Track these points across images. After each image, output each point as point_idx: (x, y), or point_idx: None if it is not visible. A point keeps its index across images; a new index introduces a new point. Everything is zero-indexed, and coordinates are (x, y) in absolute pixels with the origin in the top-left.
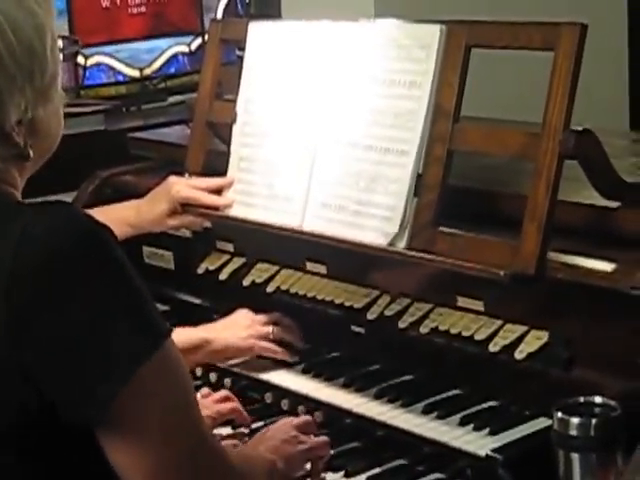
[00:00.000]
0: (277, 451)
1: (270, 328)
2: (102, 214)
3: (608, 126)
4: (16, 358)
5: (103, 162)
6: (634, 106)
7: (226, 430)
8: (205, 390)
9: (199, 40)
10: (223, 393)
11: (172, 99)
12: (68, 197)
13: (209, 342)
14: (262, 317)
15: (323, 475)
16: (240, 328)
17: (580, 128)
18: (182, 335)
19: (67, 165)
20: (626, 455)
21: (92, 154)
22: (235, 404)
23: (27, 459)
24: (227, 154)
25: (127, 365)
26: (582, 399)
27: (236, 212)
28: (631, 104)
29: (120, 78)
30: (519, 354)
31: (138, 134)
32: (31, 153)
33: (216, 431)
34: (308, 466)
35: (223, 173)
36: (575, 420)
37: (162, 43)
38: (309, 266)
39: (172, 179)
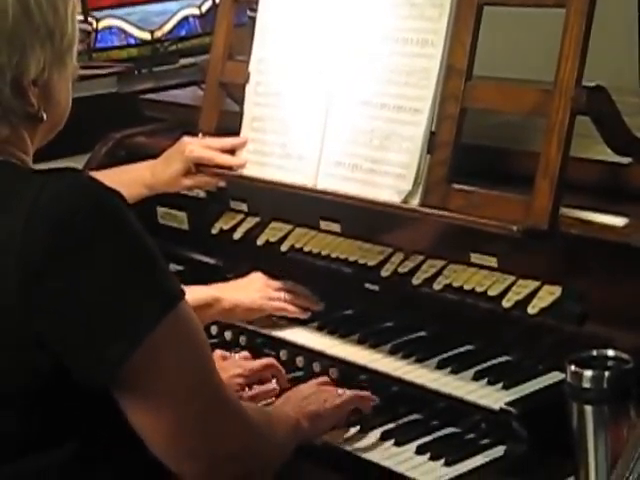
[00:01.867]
0: (302, 410)
1: (282, 293)
2: (116, 175)
3: (619, 84)
4: (29, 324)
5: (116, 124)
6: None
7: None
8: (244, 354)
9: (209, 2)
10: (245, 353)
11: (183, 61)
12: (82, 159)
13: (219, 300)
14: (276, 282)
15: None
16: (252, 290)
17: (592, 84)
18: (193, 293)
19: (80, 127)
20: (639, 407)
21: (105, 116)
22: (268, 360)
23: (33, 421)
24: (240, 114)
25: (140, 327)
26: (595, 352)
27: (250, 172)
28: None
29: (131, 41)
30: (532, 309)
31: (150, 96)
32: (44, 115)
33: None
34: None
35: (236, 133)
36: (588, 373)
37: (173, 6)
38: (323, 225)
39: (186, 139)
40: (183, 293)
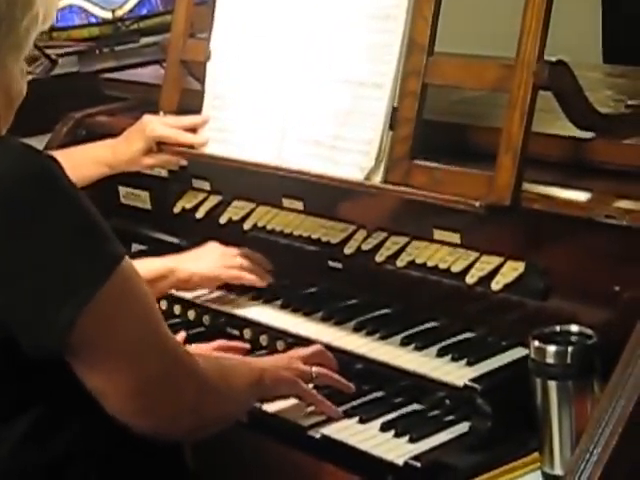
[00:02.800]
0: (268, 370)
1: (239, 259)
2: (77, 154)
3: (582, 60)
4: None
5: (77, 104)
6: (607, 40)
7: None
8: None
9: None
10: (221, 342)
11: (145, 40)
12: (43, 139)
13: (174, 271)
14: (232, 250)
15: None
16: (209, 259)
17: (554, 59)
18: (147, 264)
19: (41, 107)
20: (602, 382)
21: (66, 96)
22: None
23: None
24: (201, 92)
25: (85, 289)
26: (559, 328)
27: (212, 150)
28: (604, 38)
29: (92, 20)
30: (496, 285)
31: (111, 75)
32: None
33: None
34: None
35: (198, 112)
36: (552, 348)
37: None
38: (286, 202)
39: (147, 118)
40: (125, 252)
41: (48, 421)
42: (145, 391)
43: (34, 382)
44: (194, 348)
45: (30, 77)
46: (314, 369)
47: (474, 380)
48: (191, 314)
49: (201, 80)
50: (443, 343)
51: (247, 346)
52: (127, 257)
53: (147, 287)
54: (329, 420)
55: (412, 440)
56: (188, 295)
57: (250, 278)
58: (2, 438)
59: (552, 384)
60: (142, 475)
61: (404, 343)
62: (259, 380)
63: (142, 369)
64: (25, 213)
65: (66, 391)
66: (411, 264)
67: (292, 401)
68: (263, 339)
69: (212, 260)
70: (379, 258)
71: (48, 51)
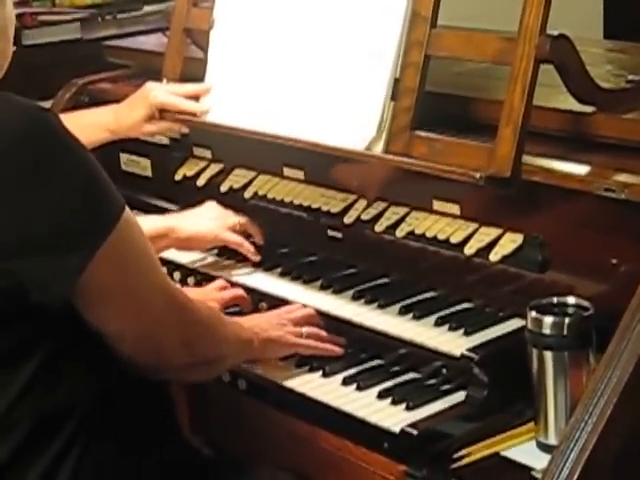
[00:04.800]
0: (260, 332)
1: (237, 220)
2: (79, 119)
3: (583, 35)
4: None
5: (80, 71)
6: (608, 16)
7: None
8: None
9: None
10: (221, 282)
11: (148, 8)
12: (45, 105)
13: (174, 230)
14: (229, 211)
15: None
16: (207, 219)
17: (556, 33)
18: (147, 222)
19: (44, 73)
20: (598, 353)
21: (69, 62)
22: (237, 291)
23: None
24: (204, 61)
25: (93, 235)
26: (555, 299)
27: (213, 118)
28: (605, 14)
29: None
30: (494, 256)
31: (114, 42)
32: None
33: None
34: None
35: (201, 80)
36: (549, 319)
37: None
38: (287, 171)
39: (150, 85)
40: (125, 203)
41: (50, 370)
42: (153, 331)
43: (37, 330)
44: (195, 291)
45: None
46: (304, 329)
47: (471, 350)
48: (191, 280)
49: (204, 48)
50: (441, 313)
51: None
52: (127, 207)
53: (142, 229)
54: (327, 387)
55: (409, 408)
56: (188, 262)
57: (247, 248)
58: (7, 383)
59: (548, 354)
60: (132, 436)
61: (402, 312)
62: (250, 340)
63: (150, 310)
64: (32, 164)
65: (74, 336)
66: (410, 234)
67: (288, 366)
68: (262, 306)
69: (211, 220)
70: (379, 228)
71: (51, 18)
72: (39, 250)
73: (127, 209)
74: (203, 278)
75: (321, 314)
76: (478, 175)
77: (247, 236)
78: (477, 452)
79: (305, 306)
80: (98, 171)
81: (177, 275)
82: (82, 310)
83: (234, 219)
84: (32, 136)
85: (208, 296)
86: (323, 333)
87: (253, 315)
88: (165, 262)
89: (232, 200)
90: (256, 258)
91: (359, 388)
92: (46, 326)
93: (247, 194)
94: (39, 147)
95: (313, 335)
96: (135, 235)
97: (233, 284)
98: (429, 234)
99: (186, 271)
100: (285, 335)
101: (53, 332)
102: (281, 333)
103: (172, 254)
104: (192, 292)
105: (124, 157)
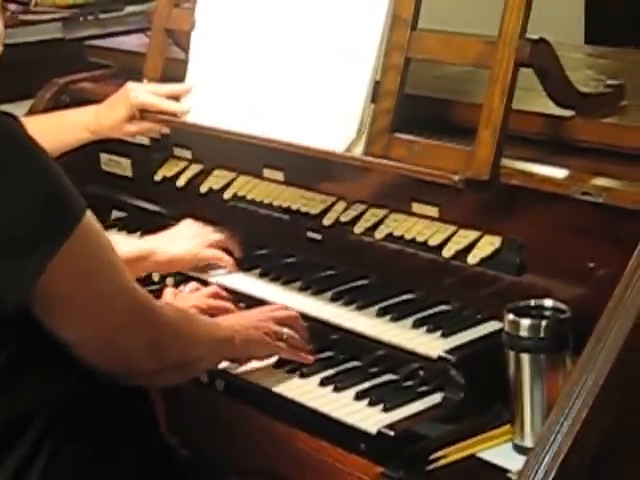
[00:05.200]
0: (241, 331)
1: (216, 237)
2: (60, 119)
3: (564, 40)
4: None
5: (61, 70)
6: (589, 21)
7: None
8: (193, 285)
9: None
10: (213, 289)
11: (130, 8)
12: (26, 104)
13: (154, 253)
14: (207, 227)
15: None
16: (185, 239)
17: (536, 37)
18: (126, 245)
19: (25, 73)
20: (575, 356)
21: (50, 62)
22: (227, 304)
23: None
24: (186, 62)
25: (50, 241)
26: (533, 302)
27: (194, 119)
28: (586, 19)
29: None
30: (472, 259)
31: (95, 42)
32: None
33: None
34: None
35: (181, 81)
36: (526, 321)
37: None
38: (266, 173)
39: (130, 85)
40: (86, 205)
41: (15, 374)
42: (116, 337)
43: (5, 330)
44: (186, 295)
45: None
46: (285, 330)
47: (448, 352)
48: (169, 281)
49: (185, 49)
50: (419, 315)
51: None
52: (88, 210)
53: (104, 233)
54: (305, 387)
55: (386, 409)
56: None
57: (227, 260)
58: None
59: (525, 357)
60: (108, 436)
61: (380, 314)
62: (230, 339)
63: (111, 315)
64: None
65: (31, 345)
66: (389, 236)
67: (266, 367)
68: (241, 307)
69: (190, 240)
70: (358, 230)
71: (32, 17)
72: None
73: (88, 213)
74: (182, 279)
75: (300, 315)
76: (457, 178)
77: (225, 251)
78: (454, 454)
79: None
80: (58, 175)
81: (156, 276)
82: (41, 317)
83: (213, 236)
84: None
85: (195, 301)
86: (300, 340)
87: (239, 313)
88: None
89: (212, 201)
90: (235, 268)
91: (336, 389)
92: (6, 331)
93: (227, 195)
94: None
95: (292, 339)
96: (96, 239)
97: (210, 285)
98: (408, 236)
99: None
100: (265, 339)
101: (14, 336)
102: (262, 333)
103: None
104: (181, 296)
105: (104, 157)
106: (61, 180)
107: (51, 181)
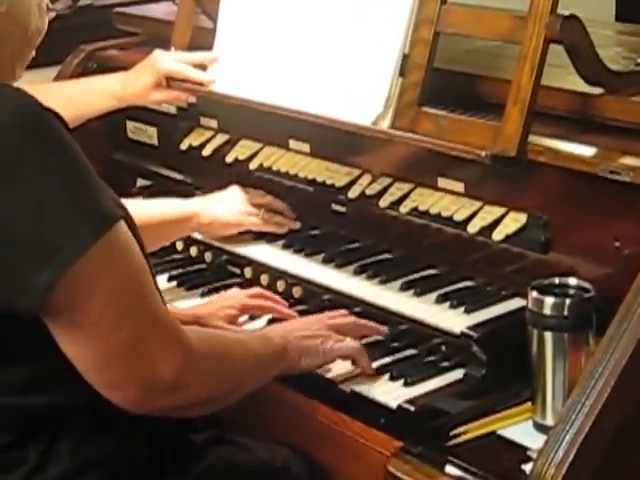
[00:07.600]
0: (296, 342)
1: (261, 211)
2: (86, 85)
3: (594, 17)
4: None
5: (89, 37)
6: None
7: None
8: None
9: None
10: (256, 290)
11: None
12: (53, 70)
13: (198, 215)
14: (254, 196)
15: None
16: (231, 204)
17: (567, 13)
18: (171, 204)
19: (52, 39)
20: (597, 336)
21: (78, 28)
22: (265, 303)
23: None
24: (214, 31)
25: (68, 252)
26: (557, 280)
27: (221, 88)
28: None
29: None
30: (497, 235)
31: (124, 9)
32: None
33: None
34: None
35: (209, 50)
36: (549, 300)
37: None
38: (292, 144)
39: (158, 52)
40: (120, 215)
41: (34, 377)
42: (118, 363)
43: (21, 339)
44: (222, 296)
45: (53, 14)
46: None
47: (471, 328)
48: (193, 250)
49: (214, 18)
50: (442, 290)
51: (280, 306)
52: (123, 222)
53: (139, 255)
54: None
55: (407, 384)
56: None
57: (270, 228)
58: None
59: (548, 335)
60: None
61: (403, 288)
62: (281, 352)
63: (115, 341)
64: (9, 163)
65: (49, 349)
66: (414, 211)
67: None
68: (264, 278)
69: (235, 206)
70: (383, 203)
71: None
72: (8, 259)
73: (119, 225)
74: (206, 248)
75: (322, 288)
76: (484, 153)
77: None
78: (473, 430)
79: (305, 280)
80: (91, 179)
81: (180, 245)
82: (49, 326)
83: (258, 200)
84: (21, 130)
85: (230, 298)
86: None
87: (292, 322)
88: None
89: (237, 171)
90: (281, 231)
91: None
92: (22, 330)
93: (252, 165)
94: (24, 142)
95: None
96: (121, 255)
97: (235, 255)
98: (433, 211)
99: (189, 240)
100: (322, 345)
101: (28, 336)
102: (317, 342)
103: None
104: (219, 297)
105: (130, 125)
106: (93, 185)
107: (81, 185)
